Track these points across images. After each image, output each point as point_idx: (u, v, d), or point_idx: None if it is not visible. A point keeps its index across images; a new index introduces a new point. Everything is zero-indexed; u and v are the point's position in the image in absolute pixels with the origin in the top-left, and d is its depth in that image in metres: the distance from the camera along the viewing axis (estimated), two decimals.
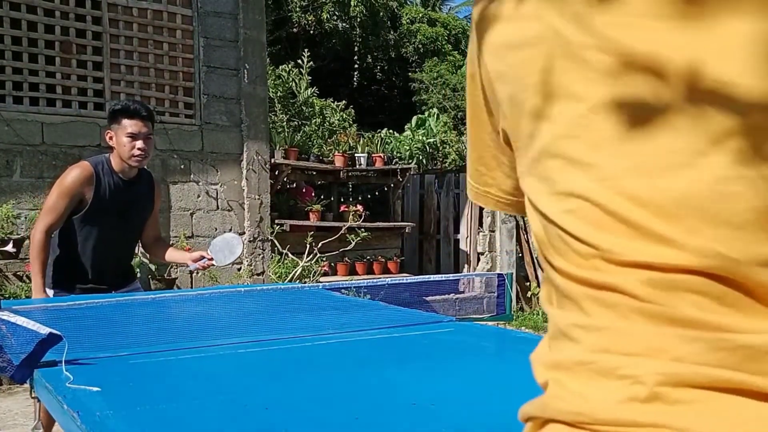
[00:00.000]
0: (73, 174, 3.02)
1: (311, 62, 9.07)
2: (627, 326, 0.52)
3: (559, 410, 0.54)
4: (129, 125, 3.03)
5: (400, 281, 3.24)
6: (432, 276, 4.00)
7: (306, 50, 9.57)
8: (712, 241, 0.50)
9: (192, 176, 6.30)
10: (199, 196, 6.33)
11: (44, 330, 1.74)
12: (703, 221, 0.50)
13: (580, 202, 0.56)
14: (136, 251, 5.76)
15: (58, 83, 5.73)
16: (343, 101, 9.68)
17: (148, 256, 5.83)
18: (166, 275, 6.05)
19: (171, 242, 6.15)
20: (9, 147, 5.46)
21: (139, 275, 5.69)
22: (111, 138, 3.09)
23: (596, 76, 0.55)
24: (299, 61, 9.00)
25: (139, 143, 3.04)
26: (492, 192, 0.78)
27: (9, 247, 5.32)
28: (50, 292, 3.05)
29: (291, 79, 8.85)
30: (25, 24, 5.58)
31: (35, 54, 5.63)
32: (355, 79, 12.31)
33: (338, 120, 9.22)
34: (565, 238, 0.57)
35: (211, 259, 3.25)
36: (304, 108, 8.83)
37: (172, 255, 3.48)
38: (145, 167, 3.28)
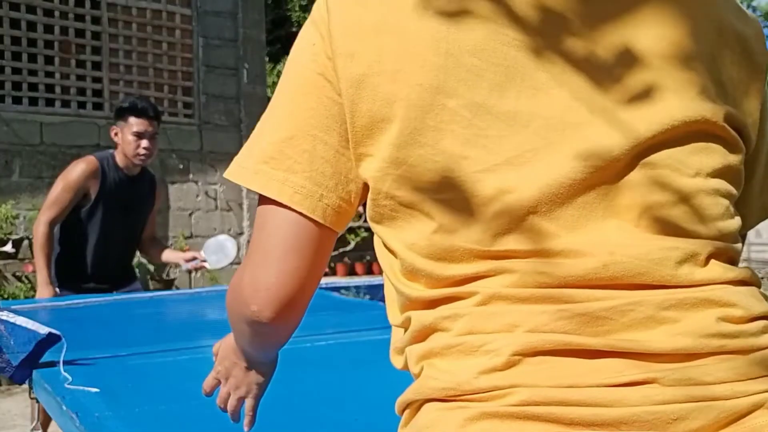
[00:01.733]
0: (79, 168, 3.03)
1: None
2: (487, 310, 0.61)
3: (432, 389, 0.61)
4: (135, 124, 3.04)
5: None
6: None
7: None
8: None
9: (191, 176, 6.30)
10: (198, 196, 6.33)
11: (44, 330, 1.74)
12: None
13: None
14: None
15: (57, 83, 5.73)
16: None
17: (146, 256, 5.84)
18: (164, 276, 6.05)
19: (170, 242, 6.15)
20: (8, 147, 5.45)
21: (137, 275, 5.71)
22: (116, 134, 3.11)
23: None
24: None
25: (145, 142, 3.06)
26: (297, 181, 0.67)
27: (8, 248, 5.31)
28: (56, 290, 3.05)
29: None
30: (24, 24, 5.58)
31: (34, 54, 5.62)
32: None
33: None
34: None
35: (204, 260, 3.25)
36: None
37: (167, 255, 3.48)
38: (148, 167, 3.29)
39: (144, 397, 1.62)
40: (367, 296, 3.32)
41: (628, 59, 0.63)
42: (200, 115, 6.36)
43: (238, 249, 3.50)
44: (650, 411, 0.55)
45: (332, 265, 7.15)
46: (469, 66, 0.62)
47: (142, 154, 3.08)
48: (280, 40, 11.72)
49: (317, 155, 0.66)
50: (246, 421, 0.99)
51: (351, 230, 6.96)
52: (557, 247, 0.61)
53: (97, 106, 5.88)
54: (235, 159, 0.72)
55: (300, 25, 12.21)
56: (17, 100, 5.59)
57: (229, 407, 0.97)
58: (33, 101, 5.65)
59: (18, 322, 1.86)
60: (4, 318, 1.93)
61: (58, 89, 5.73)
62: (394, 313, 0.72)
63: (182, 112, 6.31)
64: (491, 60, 0.62)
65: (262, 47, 6.84)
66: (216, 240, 3.38)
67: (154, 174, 3.41)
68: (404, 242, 0.66)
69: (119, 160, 3.12)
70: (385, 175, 0.65)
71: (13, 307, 2.23)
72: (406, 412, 0.66)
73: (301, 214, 0.66)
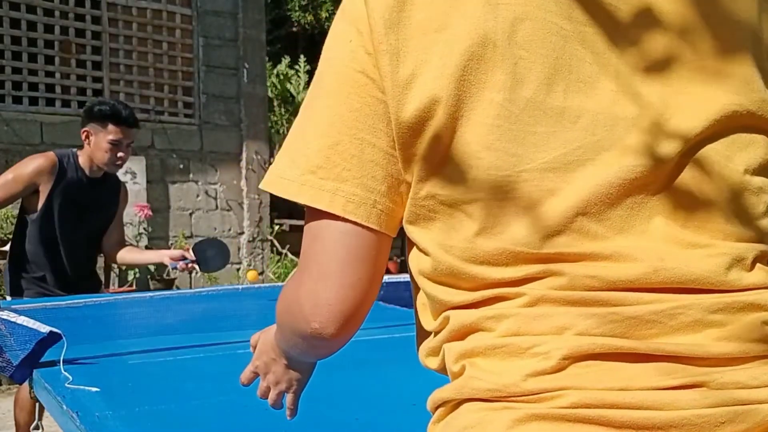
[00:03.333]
0: (36, 162, 2.84)
1: (308, 65, 9.06)
2: (534, 311, 0.60)
3: (476, 389, 0.60)
4: (114, 132, 2.86)
5: (400, 281, 3.23)
6: None
7: (300, 50, 9.56)
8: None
9: (191, 176, 6.30)
10: (198, 196, 6.33)
11: (44, 328, 1.74)
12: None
13: None
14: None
15: (57, 83, 5.73)
16: None
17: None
18: (165, 275, 6.05)
19: (170, 242, 6.15)
20: (8, 147, 5.45)
21: (138, 275, 5.71)
22: (88, 137, 2.89)
23: None
24: (297, 65, 8.99)
25: (121, 153, 2.90)
26: (348, 189, 0.64)
27: (8, 247, 5.30)
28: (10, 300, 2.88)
29: (288, 78, 8.84)
30: (24, 24, 5.58)
31: (34, 54, 5.62)
32: None
33: None
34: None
35: (194, 261, 3.03)
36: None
37: (146, 256, 3.32)
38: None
39: (144, 396, 1.62)
40: None
41: (674, 50, 0.61)
42: (200, 114, 6.36)
43: (230, 253, 3.29)
44: (699, 414, 0.55)
45: None
46: (517, 59, 0.60)
47: (117, 164, 2.93)
48: (280, 40, 11.72)
49: (366, 159, 0.63)
50: (287, 413, 0.99)
51: None
52: (606, 250, 0.60)
53: None
54: (274, 169, 0.68)
55: (300, 25, 12.13)
56: (17, 100, 5.59)
57: (270, 401, 0.96)
58: (33, 101, 5.65)
59: (18, 321, 1.85)
60: (4, 317, 1.93)
61: (58, 89, 5.73)
62: (426, 318, 0.69)
63: (182, 111, 6.31)
64: (539, 52, 0.60)
65: (262, 47, 6.84)
66: (210, 243, 3.22)
67: (117, 176, 3.22)
68: (441, 244, 0.64)
69: (83, 161, 2.93)
70: (429, 175, 0.63)
71: (13, 306, 2.23)
72: (441, 409, 0.65)
73: (355, 223, 0.64)
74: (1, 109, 5.45)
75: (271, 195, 5.88)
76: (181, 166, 6.23)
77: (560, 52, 0.60)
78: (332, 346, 0.71)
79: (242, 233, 6.57)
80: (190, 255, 3.02)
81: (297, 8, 11.65)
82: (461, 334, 0.64)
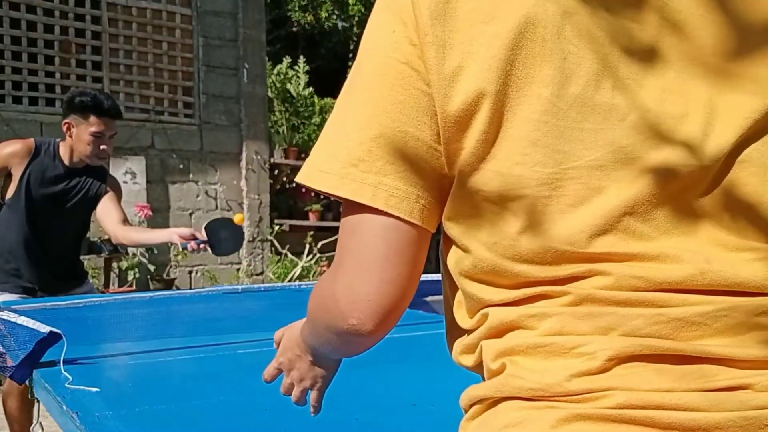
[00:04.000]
0: (11, 147, 2.81)
1: (307, 65, 9.06)
2: (579, 311, 0.59)
3: (517, 387, 0.59)
4: (97, 123, 2.78)
5: None
6: (432, 276, 3.99)
7: (300, 51, 9.56)
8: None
9: (191, 176, 6.30)
10: (198, 196, 6.33)
11: (44, 328, 1.74)
12: None
13: None
14: (134, 252, 5.76)
15: (57, 83, 5.73)
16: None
17: (147, 256, 5.84)
18: (165, 275, 6.05)
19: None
20: None
21: (137, 275, 5.71)
22: (69, 128, 2.83)
23: None
24: (297, 66, 8.99)
25: (103, 145, 2.82)
26: (390, 183, 0.62)
27: None
28: None
29: (287, 78, 8.84)
30: (24, 23, 5.58)
31: (34, 53, 5.62)
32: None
33: None
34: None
35: (206, 242, 2.80)
36: (302, 109, 8.82)
37: (151, 235, 3.08)
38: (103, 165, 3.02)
39: (144, 396, 1.62)
40: None
41: (720, 49, 0.60)
42: (200, 115, 6.36)
43: (243, 236, 3.02)
44: (745, 416, 0.55)
45: None
46: (566, 54, 0.59)
47: (101, 157, 2.84)
48: (280, 40, 11.71)
49: (410, 153, 0.62)
50: (311, 410, 0.97)
51: None
52: (653, 251, 0.59)
53: None
54: (312, 162, 0.66)
55: (300, 25, 12.08)
56: (17, 100, 5.59)
57: (293, 398, 0.94)
58: (33, 101, 5.64)
59: (18, 321, 1.85)
60: (4, 317, 1.93)
61: (58, 89, 5.73)
62: (462, 316, 0.69)
63: (182, 112, 6.31)
64: (588, 47, 0.59)
65: (262, 47, 6.84)
66: (220, 222, 2.96)
67: (106, 168, 3.11)
68: (483, 242, 0.63)
69: (62, 151, 2.86)
70: (473, 170, 0.61)
71: (13, 306, 2.23)
72: (477, 407, 0.64)
73: (397, 218, 0.62)
74: (1, 109, 5.45)
75: (271, 195, 5.76)
76: (181, 166, 6.23)
77: (609, 48, 0.59)
78: (367, 343, 0.69)
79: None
80: (202, 235, 2.83)
81: (297, 8, 11.65)
82: (500, 332, 0.63)
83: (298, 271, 6.34)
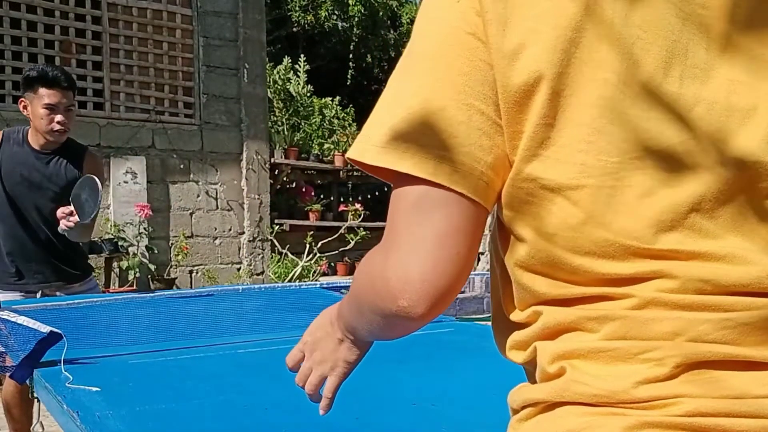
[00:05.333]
0: None
1: (307, 64, 9.06)
2: (644, 315, 0.57)
3: (579, 393, 0.57)
4: (47, 95, 2.68)
5: None
6: None
7: (300, 51, 9.56)
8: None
9: (192, 176, 6.30)
10: (198, 196, 6.33)
11: (45, 328, 1.74)
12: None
13: None
14: (134, 251, 5.76)
15: None
16: (338, 98, 9.66)
17: (147, 256, 5.84)
18: (165, 275, 6.05)
19: (170, 242, 6.15)
20: None
21: (138, 275, 5.71)
22: (25, 107, 2.76)
23: None
24: (297, 65, 9.00)
25: (59, 116, 2.70)
26: (454, 158, 0.60)
27: None
28: None
29: (287, 78, 8.84)
30: (24, 23, 5.58)
31: (35, 53, 5.62)
32: (349, 77, 12.32)
33: (334, 116, 9.20)
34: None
35: (72, 213, 2.63)
36: (302, 109, 8.82)
37: None
38: (81, 142, 2.92)
39: (144, 396, 1.62)
40: None
41: None
42: (201, 115, 6.36)
43: (99, 189, 2.63)
44: None
45: (332, 264, 7.15)
46: (634, 39, 0.56)
47: (57, 130, 2.70)
48: (281, 41, 11.71)
49: (474, 127, 0.58)
50: (323, 403, 0.87)
51: (351, 230, 6.96)
52: (720, 251, 0.57)
53: (98, 106, 5.88)
54: (365, 137, 0.61)
55: (300, 25, 12.08)
56: (17, 100, 5.59)
57: (308, 385, 0.85)
58: None
59: (19, 321, 1.86)
60: (4, 317, 1.94)
61: None
62: (511, 308, 0.65)
63: (183, 112, 6.31)
64: (658, 33, 0.56)
65: (263, 47, 6.84)
66: (80, 185, 2.70)
67: (85, 147, 2.97)
68: (541, 231, 0.59)
69: (31, 136, 2.78)
70: (531, 156, 0.58)
71: (13, 306, 2.23)
72: (530, 409, 0.61)
73: (460, 194, 0.58)
74: (1, 109, 5.46)
75: (271, 195, 5.73)
76: (182, 166, 6.23)
77: (678, 35, 0.56)
78: (414, 326, 0.64)
79: (243, 233, 6.58)
80: (69, 209, 2.65)
81: (297, 9, 11.65)
82: (556, 333, 0.60)
83: (298, 270, 6.34)
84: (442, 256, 0.59)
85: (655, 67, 0.56)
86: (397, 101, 0.61)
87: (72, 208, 2.64)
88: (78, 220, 2.61)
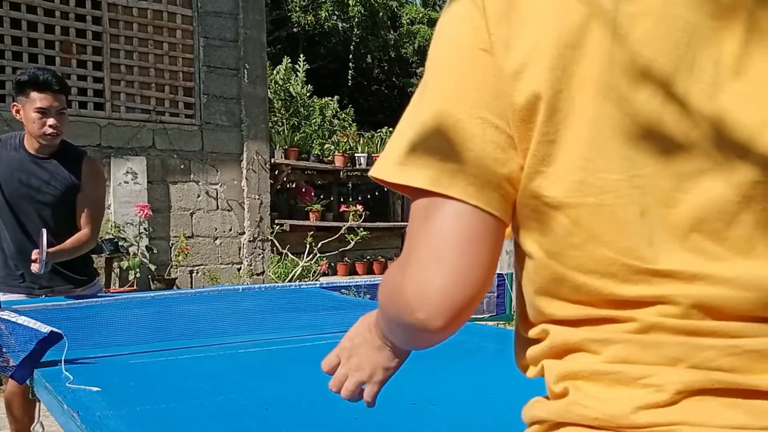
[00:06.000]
0: None
1: (306, 63, 9.06)
2: (646, 339, 0.56)
3: (581, 416, 0.57)
4: (38, 99, 2.67)
5: None
6: None
7: (300, 51, 9.56)
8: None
9: (192, 176, 6.30)
10: (199, 196, 6.33)
11: (45, 329, 1.74)
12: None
13: None
14: (135, 251, 5.76)
15: None
16: (336, 97, 9.66)
17: (147, 256, 5.85)
18: (166, 275, 6.05)
19: (171, 242, 6.16)
20: None
21: (138, 275, 5.71)
22: (18, 112, 2.75)
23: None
24: (297, 65, 9.00)
25: (51, 120, 2.69)
26: (469, 171, 0.59)
27: None
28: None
29: (287, 78, 8.84)
30: (25, 24, 5.58)
31: (35, 54, 5.63)
32: (350, 78, 12.32)
33: (334, 116, 9.20)
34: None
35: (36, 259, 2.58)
36: (302, 109, 8.82)
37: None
38: (81, 143, 2.94)
39: (145, 396, 1.62)
40: (368, 296, 3.32)
41: None
42: (201, 115, 6.36)
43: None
44: None
45: (332, 264, 7.15)
46: (635, 56, 0.55)
47: (49, 134, 2.69)
48: (281, 41, 11.72)
49: (488, 140, 0.58)
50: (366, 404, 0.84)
51: (351, 230, 6.96)
52: (726, 273, 0.55)
53: (99, 107, 5.88)
54: (386, 155, 0.62)
55: (300, 26, 12.08)
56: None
57: (344, 391, 0.83)
58: None
59: (19, 321, 1.86)
60: (5, 317, 1.94)
61: None
62: (525, 324, 0.66)
63: (183, 112, 6.32)
64: (660, 49, 0.55)
65: (263, 48, 6.84)
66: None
67: (83, 152, 2.95)
68: (546, 248, 0.60)
69: (26, 141, 2.77)
70: (534, 172, 0.58)
71: (14, 306, 2.23)
72: (537, 427, 0.62)
73: (475, 206, 0.58)
74: (1, 109, 5.46)
75: (271, 195, 5.75)
76: (182, 166, 6.24)
77: (683, 50, 0.55)
78: (435, 339, 0.63)
79: (243, 233, 6.58)
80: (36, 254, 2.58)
81: (297, 9, 11.66)
82: (562, 352, 0.61)
83: (298, 271, 6.34)
84: (458, 269, 0.59)
85: (657, 84, 0.55)
86: (414, 117, 0.61)
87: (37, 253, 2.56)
88: (37, 266, 2.54)
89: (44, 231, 2.60)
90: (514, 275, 0.70)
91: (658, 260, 0.56)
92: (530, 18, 0.58)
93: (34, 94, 2.68)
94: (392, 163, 0.61)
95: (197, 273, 6.32)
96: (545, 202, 0.58)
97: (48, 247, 2.58)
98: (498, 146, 0.58)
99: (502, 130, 0.58)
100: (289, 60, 9.13)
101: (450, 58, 0.61)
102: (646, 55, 0.55)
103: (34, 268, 2.55)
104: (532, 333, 0.64)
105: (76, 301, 2.62)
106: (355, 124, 9.93)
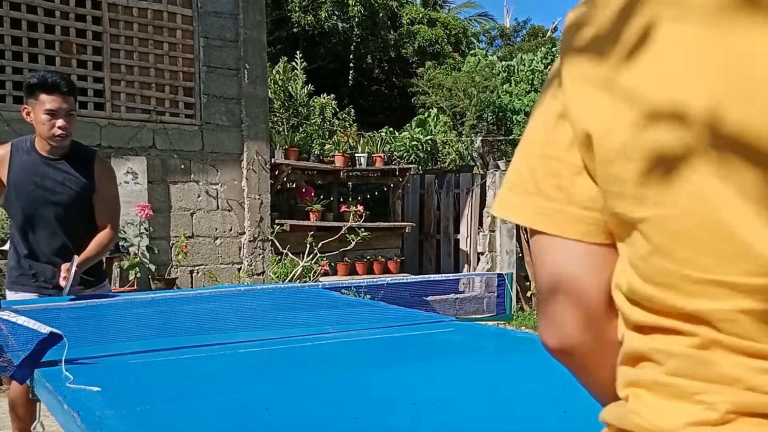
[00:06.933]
0: None
1: (305, 62, 9.06)
2: (705, 356, 0.57)
3: (635, 425, 0.60)
4: (47, 101, 2.72)
5: (400, 281, 3.24)
6: (432, 276, 4.00)
7: (300, 51, 9.56)
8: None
9: (192, 176, 6.30)
10: (199, 196, 6.34)
11: (45, 329, 1.74)
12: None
13: None
14: (135, 251, 5.76)
15: None
16: (332, 95, 9.66)
17: (148, 256, 5.85)
18: (166, 275, 6.06)
19: (171, 242, 6.16)
20: None
21: (139, 275, 5.71)
22: (28, 114, 2.79)
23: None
24: (294, 63, 9.00)
25: (60, 121, 2.73)
26: (574, 213, 0.65)
27: (6, 247, 5.31)
28: (11, 295, 2.83)
29: (287, 78, 8.85)
30: (25, 24, 5.58)
31: (35, 54, 5.63)
32: (350, 78, 12.32)
33: (333, 115, 9.21)
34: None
35: (65, 276, 2.67)
36: (302, 108, 8.83)
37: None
38: (90, 147, 2.91)
39: (145, 396, 1.63)
40: (368, 295, 3.32)
41: None
42: (201, 115, 6.36)
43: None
44: None
45: (332, 264, 7.15)
46: (677, 89, 0.57)
47: (58, 135, 2.74)
48: (281, 41, 11.73)
49: (582, 177, 0.64)
50: None
51: (351, 230, 6.96)
52: None
53: (99, 107, 5.88)
54: (499, 194, 0.69)
55: (300, 26, 12.09)
56: (18, 100, 5.59)
57: None
58: None
59: (19, 322, 1.86)
60: (5, 317, 1.94)
61: None
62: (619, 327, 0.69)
63: (183, 112, 6.32)
64: (706, 75, 0.56)
65: (263, 48, 6.84)
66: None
67: (93, 151, 3.02)
68: (624, 259, 0.63)
69: (38, 143, 2.81)
70: (605, 191, 0.62)
71: (14, 306, 2.23)
72: (605, 429, 0.65)
73: (572, 239, 0.65)
74: (2, 109, 5.46)
75: (271, 195, 5.76)
76: (182, 166, 6.24)
77: (734, 70, 0.55)
78: (574, 365, 0.69)
79: (243, 233, 6.58)
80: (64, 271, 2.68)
81: (297, 9, 11.66)
82: (633, 360, 0.63)
83: (298, 271, 6.34)
84: (580, 300, 0.65)
85: (712, 101, 0.55)
86: (517, 162, 0.69)
87: (67, 267, 2.67)
88: (65, 283, 2.64)
89: (75, 258, 2.70)
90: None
91: (725, 272, 0.56)
92: (594, 88, 0.62)
93: (43, 97, 2.73)
94: (499, 201, 0.69)
95: (197, 273, 6.32)
96: (620, 218, 0.62)
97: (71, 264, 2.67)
98: (582, 179, 0.64)
99: (582, 166, 0.64)
100: (287, 60, 9.13)
101: (537, 118, 0.68)
102: (688, 89, 0.56)
103: (62, 282, 2.65)
104: (620, 339, 0.66)
105: (76, 301, 2.62)
106: (355, 124, 9.93)
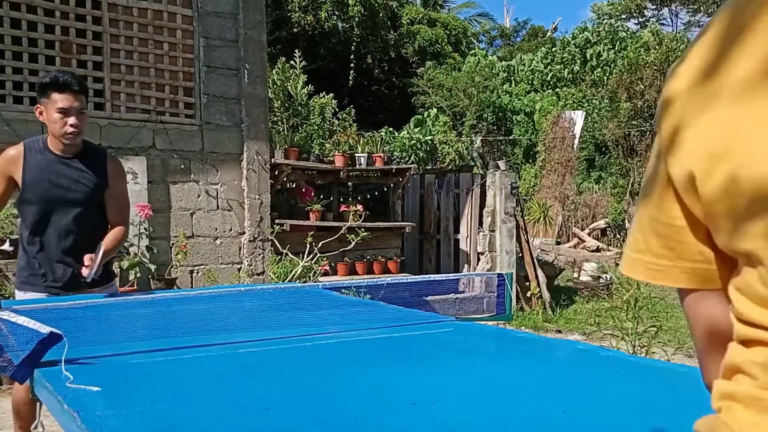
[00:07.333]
0: (5, 155, 2.85)
1: (304, 62, 9.06)
2: None
3: None
4: (59, 99, 2.77)
5: (400, 281, 3.24)
6: (432, 276, 4.00)
7: (300, 51, 9.56)
8: None
9: (192, 176, 6.30)
10: (199, 196, 6.34)
11: (45, 329, 1.74)
12: None
13: None
14: (135, 251, 5.76)
15: None
16: (332, 95, 9.66)
17: (148, 256, 5.85)
18: (166, 275, 6.06)
19: (171, 242, 6.16)
20: (9, 147, 5.45)
21: (139, 275, 5.71)
22: (41, 113, 2.85)
23: None
24: (293, 62, 8.99)
25: (72, 119, 2.79)
26: (644, 258, 0.70)
27: (6, 246, 5.31)
28: (20, 294, 2.85)
29: (286, 78, 8.85)
30: (25, 24, 5.58)
31: (35, 54, 5.63)
32: (350, 78, 12.32)
33: (333, 115, 9.21)
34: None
35: (90, 264, 2.74)
36: (301, 108, 8.83)
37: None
38: (100, 146, 2.97)
39: (145, 396, 1.63)
40: (368, 295, 3.32)
41: None
42: (201, 115, 6.36)
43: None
44: None
45: (332, 264, 7.15)
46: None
47: (70, 133, 2.79)
48: (281, 41, 11.72)
49: (677, 227, 0.67)
50: None
51: (351, 230, 6.96)
52: None
53: (99, 107, 5.88)
54: (624, 253, 0.73)
55: (300, 26, 12.07)
56: (18, 100, 5.60)
57: None
58: (34, 101, 5.63)
59: (19, 322, 1.86)
60: (5, 317, 1.94)
61: None
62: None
63: (183, 112, 6.32)
64: None
65: (263, 48, 6.84)
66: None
67: (104, 150, 3.08)
68: (734, 286, 0.65)
69: (50, 142, 2.86)
70: (710, 229, 0.65)
71: (14, 306, 2.23)
72: None
73: (690, 290, 0.68)
74: (2, 109, 5.46)
75: (271, 195, 5.75)
76: (182, 166, 6.24)
77: None
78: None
79: (243, 233, 6.58)
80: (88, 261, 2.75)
81: (297, 9, 11.66)
82: (729, 372, 0.63)
83: (298, 270, 6.34)
84: (702, 344, 0.69)
85: None
86: (633, 224, 0.73)
87: (91, 257, 2.75)
88: (88, 271, 2.73)
89: (102, 245, 2.78)
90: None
91: None
92: (673, 131, 0.65)
93: (55, 95, 2.78)
94: (626, 259, 0.73)
95: (197, 273, 6.32)
96: (723, 249, 0.64)
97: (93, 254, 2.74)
98: (688, 230, 0.67)
99: (687, 216, 0.66)
100: (284, 59, 9.13)
101: (648, 168, 0.71)
102: None
103: (84, 272, 2.72)
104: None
105: (76, 302, 2.62)
106: (355, 124, 9.93)
